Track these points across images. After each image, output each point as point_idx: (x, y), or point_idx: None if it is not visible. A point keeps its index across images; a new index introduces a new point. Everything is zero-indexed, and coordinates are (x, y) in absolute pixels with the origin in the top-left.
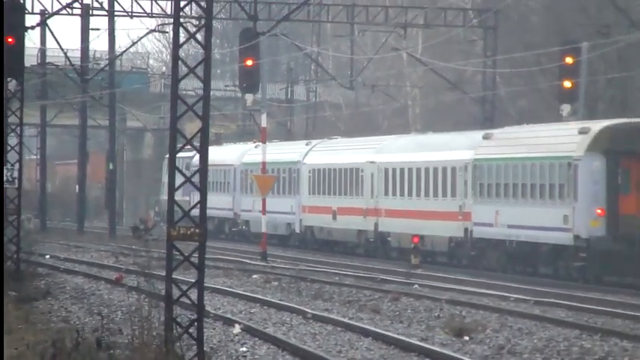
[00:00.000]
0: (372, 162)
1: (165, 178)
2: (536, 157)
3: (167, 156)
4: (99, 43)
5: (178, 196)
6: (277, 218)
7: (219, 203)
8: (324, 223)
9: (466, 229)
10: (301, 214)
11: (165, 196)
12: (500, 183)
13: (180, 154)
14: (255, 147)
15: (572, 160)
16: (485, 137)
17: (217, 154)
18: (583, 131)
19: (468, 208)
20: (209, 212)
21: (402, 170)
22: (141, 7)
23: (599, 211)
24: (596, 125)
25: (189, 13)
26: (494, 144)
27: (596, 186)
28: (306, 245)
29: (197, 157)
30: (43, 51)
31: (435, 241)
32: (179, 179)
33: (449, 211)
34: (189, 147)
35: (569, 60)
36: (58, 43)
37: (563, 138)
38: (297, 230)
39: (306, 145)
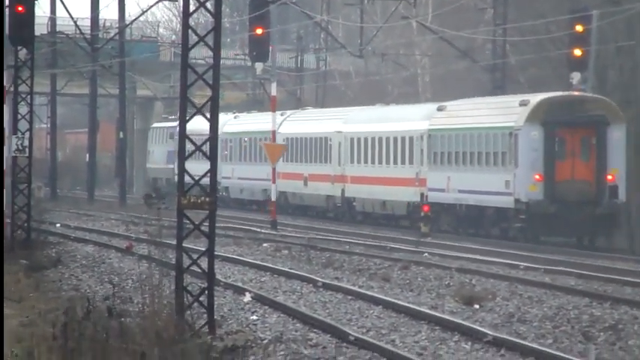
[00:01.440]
0: (340, 132)
1: (151, 147)
2: (482, 127)
3: (153, 125)
4: (109, 12)
5: (161, 163)
6: (254, 185)
7: (201, 170)
8: (296, 189)
9: (422, 194)
10: (277, 179)
11: (151, 165)
12: (451, 151)
13: (164, 124)
14: (235, 117)
15: (513, 130)
16: (439, 109)
17: (199, 124)
18: (523, 103)
19: (423, 175)
20: (188, 179)
21: (365, 140)
22: None
23: (537, 176)
24: (535, 98)
25: None
26: (446, 115)
27: (534, 154)
28: (281, 210)
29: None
30: (53, 20)
31: (395, 205)
32: (162, 148)
33: (407, 177)
34: (173, 117)
35: (579, 28)
36: (68, 11)
37: (506, 110)
38: (272, 197)
39: (281, 115)
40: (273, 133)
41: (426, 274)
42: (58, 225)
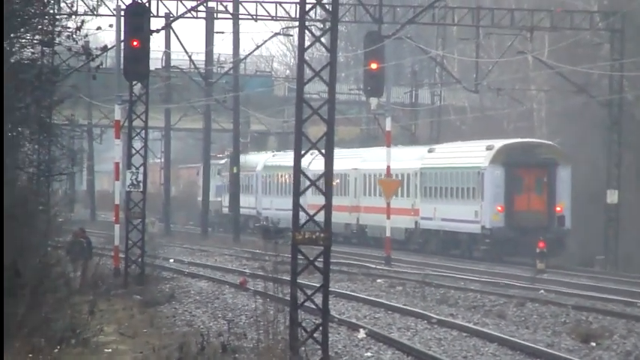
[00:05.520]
0: (356, 169)
1: (212, 182)
2: (459, 166)
3: (210, 161)
4: (223, 47)
5: (212, 196)
6: (288, 214)
7: (244, 203)
8: (320, 218)
9: (416, 222)
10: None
11: (212, 198)
12: (437, 186)
13: (212, 161)
14: (273, 156)
15: (480, 170)
16: (430, 151)
17: (242, 161)
18: (489, 148)
19: (417, 206)
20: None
21: (375, 175)
22: (265, 10)
23: (499, 207)
24: (498, 143)
25: (313, 17)
26: (435, 156)
27: (497, 189)
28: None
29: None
30: (167, 54)
31: (395, 231)
32: (212, 183)
33: (405, 207)
34: (220, 155)
35: None
36: (182, 46)
37: (475, 152)
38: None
39: (310, 154)
40: (388, 168)
41: (541, 311)
42: (171, 260)
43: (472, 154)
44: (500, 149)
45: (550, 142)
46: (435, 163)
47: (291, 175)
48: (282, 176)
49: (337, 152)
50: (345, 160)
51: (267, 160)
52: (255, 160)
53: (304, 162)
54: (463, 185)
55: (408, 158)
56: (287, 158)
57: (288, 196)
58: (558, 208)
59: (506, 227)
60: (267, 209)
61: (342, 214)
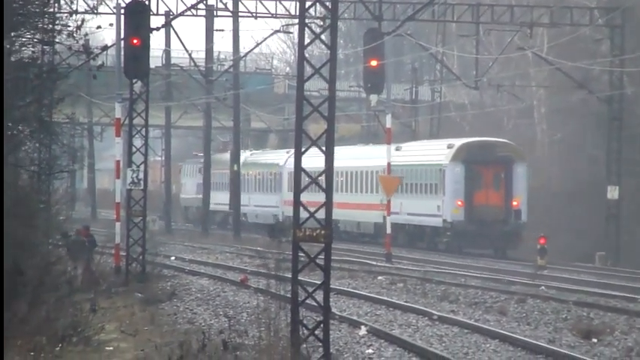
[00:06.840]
0: None
1: (183, 180)
2: (422, 164)
3: (186, 161)
4: (223, 44)
5: (192, 194)
6: (266, 211)
7: (222, 199)
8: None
9: (384, 217)
10: (283, 207)
11: (183, 195)
12: (404, 182)
13: (194, 160)
14: (251, 154)
15: (442, 167)
16: (397, 149)
17: (219, 159)
18: (450, 146)
19: (385, 201)
20: (215, 207)
21: (345, 173)
22: (265, 7)
23: (459, 202)
24: (458, 142)
25: (313, 14)
26: (401, 154)
27: (457, 185)
28: (284, 233)
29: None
30: (167, 52)
31: (365, 226)
32: (193, 181)
33: (374, 203)
34: (201, 154)
35: None
36: (182, 44)
37: (438, 151)
38: (281, 219)
39: (287, 153)
40: (388, 165)
41: (542, 308)
42: (172, 258)
43: (435, 152)
44: (460, 147)
45: (507, 141)
46: (401, 161)
47: (266, 173)
48: (260, 174)
49: (310, 151)
50: (318, 158)
51: (246, 158)
52: (229, 158)
53: (283, 160)
54: (426, 181)
55: (377, 156)
56: (265, 156)
57: (265, 193)
58: (515, 203)
59: (465, 221)
60: (246, 206)
61: (313, 209)
